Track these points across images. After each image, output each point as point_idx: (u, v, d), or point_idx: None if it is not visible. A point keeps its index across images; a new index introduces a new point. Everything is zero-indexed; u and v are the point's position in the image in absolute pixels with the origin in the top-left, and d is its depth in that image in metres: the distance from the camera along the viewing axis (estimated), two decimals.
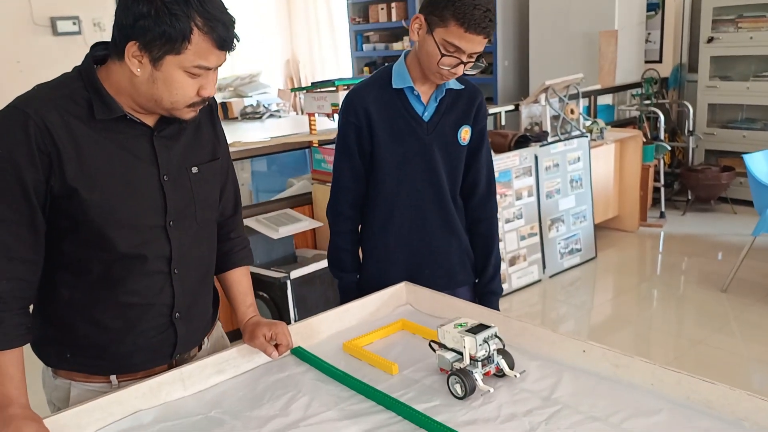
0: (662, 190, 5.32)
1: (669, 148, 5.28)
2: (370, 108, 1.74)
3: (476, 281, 1.94)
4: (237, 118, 7.40)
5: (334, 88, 3.29)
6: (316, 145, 3.57)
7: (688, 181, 5.44)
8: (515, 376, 1.30)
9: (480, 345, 1.27)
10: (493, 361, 1.31)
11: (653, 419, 1.18)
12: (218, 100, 6.57)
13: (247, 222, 3.33)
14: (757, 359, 3.20)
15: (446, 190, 1.82)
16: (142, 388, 1.30)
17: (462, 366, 1.28)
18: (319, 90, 3.38)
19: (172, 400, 1.34)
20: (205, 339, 1.48)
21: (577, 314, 3.89)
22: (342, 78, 3.48)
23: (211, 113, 1.40)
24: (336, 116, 3.54)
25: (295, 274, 3.18)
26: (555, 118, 4.30)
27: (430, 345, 1.38)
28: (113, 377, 1.34)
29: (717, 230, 5.06)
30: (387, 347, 1.53)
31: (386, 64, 1.82)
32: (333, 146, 3.60)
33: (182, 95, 1.20)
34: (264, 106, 7.32)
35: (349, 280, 1.89)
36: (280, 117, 7.29)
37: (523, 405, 1.25)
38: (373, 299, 1.70)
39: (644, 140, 4.99)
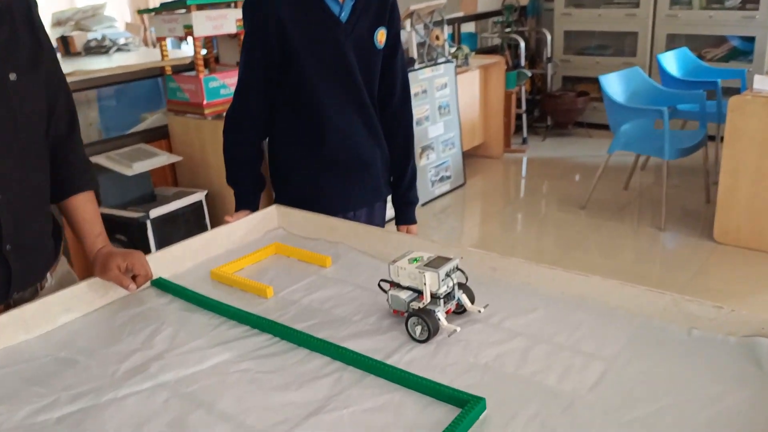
0: (524, 116, 5.50)
1: (529, 75, 5.44)
2: (282, 11, 1.59)
3: (393, 192, 1.92)
4: (80, 53, 6.75)
5: (184, 10, 3.02)
6: (170, 73, 3.30)
7: (547, 106, 5.66)
8: (478, 311, 1.17)
9: (442, 280, 1.12)
10: (454, 296, 1.16)
11: (530, 316, 1.18)
12: (58, 35, 5.90)
13: (96, 159, 3.04)
14: (611, 269, 3.42)
15: (366, 97, 1.74)
16: None
17: (421, 305, 1.13)
18: (169, 11, 3.09)
19: (14, 344, 1.17)
20: (48, 275, 1.31)
21: (448, 239, 3.96)
22: None
23: (29, 12, 1.19)
24: (190, 39, 3.29)
25: (155, 213, 2.97)
26: (421, 44, 4.26)
27: (379, 285, 1.21)
28: None
29: (574, 153, 5.32)
30: (260, 272, 1.43)
31: None
32: (189, 74, 3.35)
33: None
34: (110, 39, 6.72)
35: (244, 192, 1.77)
36: (129, 51, 6.73)
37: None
38: (242, 224, 1.59)
39: (506, 67, 5.09)
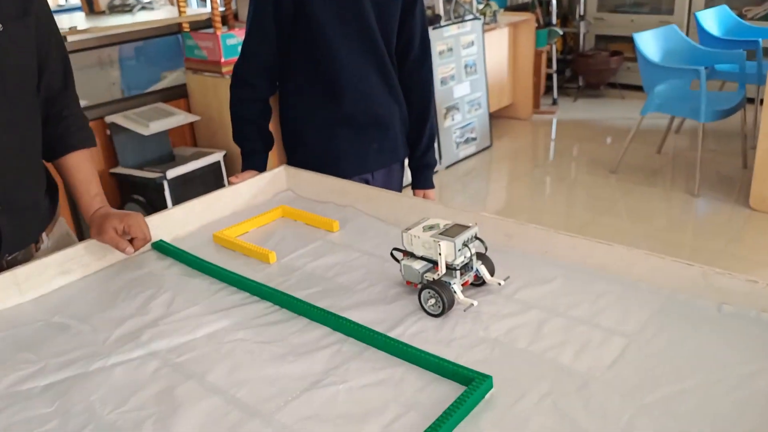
0: (554, 76, 5.32)
1: (561, 33, 5.24)
2: None
3: (409, 154, 1.82)
4: (104, 11, 6.71)
5: None
6: (188, 30, 3.22)
7: (579, 66, 5.46)
8: (498, 284, 1.08)
9: (459, 250, 1.03)
10: (472, 267, 1.07)
11: (547, 288, 1.10)
12: None
13: (113, 119, 3.01)
14: (642, 235, 3.30)
15: (384, 51, 1.65)
16: None
17: (436, 277, 1.05)
18: None
19: (6, 308, 1.13)
20: (43, 236, 1.26)
21: (473, 203, 3.87)
22: None
23: None
24: None
25: (172, 173, 2.93)
26: (447, 0, 4.11)
27: (392, 254, 1.13)
28: None
29: (606, 115, 5.15)
30: (264, 236, 1.37)
31: None
32: (206, 31, 3.27)
33: None
34: None
35: (251, 152, 1.69)
36: (153, 9, 6.66)
37: None
38: (249, 185, 1.52)
39: (537, 25, 4.91)
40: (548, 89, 5.41)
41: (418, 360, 0.92)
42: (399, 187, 1.87)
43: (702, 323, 0.97)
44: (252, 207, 1.50)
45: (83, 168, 1.27)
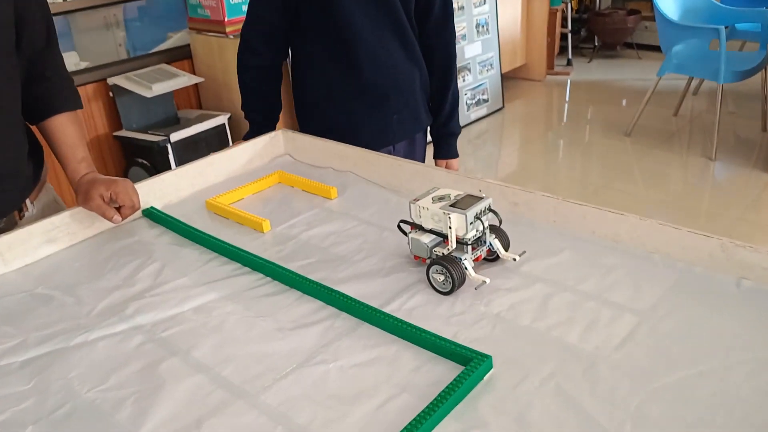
0: (569, 36, 5.17)
1: None
2: None
3: (432, 122, 1.72)
4: None
5: None
6: None
7: (595, 26, 5.30)
8: (513, 259, 1.00)
9: (471, 223, 0.96)
10: (485, 242, 1.00)
11: (554, 260, 1.03)
12: None
13: (116, 80, 2.94)
14: (657, 201, 3.21)
15: (402, 13, 1.55)
16: None
17: (446, 252, 0.99)
18: None
19: None
20: (27, 203, 1.21)
21: (484, 167, 3.79)
22: None
23: None
24: None
25: (176, 136, 2.87)
26: None
27: (399, 227, 1.06)
28: None
29: (622, 76, 5.01)
30: (259, 203, 1.31)
31: None
32: None
33: None
34: None
35: (252, 122, 1.63)
36: None
37: None
38: (244, 149, 1.46)
39: None
40: (563, 49, 5.26)
41: (413, 338, 0.87)
42: (423, 158, 1.76)
43: (720, 300, 0.91)
44: (248, 172, 1.44)
45: (68, 131, 1.21)
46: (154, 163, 2.95)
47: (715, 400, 0.75)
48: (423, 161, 1.74)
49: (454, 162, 1.75)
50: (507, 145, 4.20)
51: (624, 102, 4.54)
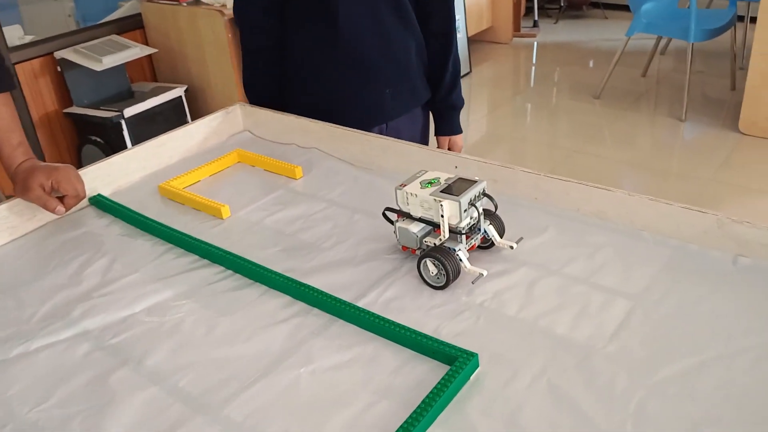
0: None
1: None
2: None
3: (432, 95, 1.55)
4: None
5: None
6: None
7: None
8: (511, 247, 0.91)
9: (465, 211, 0.86)
10: (480, 229, 0.91)
11: (538, 240, 0.96)
12: None
13: (63, 54, 2.77)
14: (627, 163, 3.18)
15: None
16: None
17: (438, 242, 0.90)
18: None
19: None
20: None
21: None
22: None
23: None
24: None
25: (130, 111, 2.73)
26: None
27: (384, 215, 0.96)
28: None
29: (589, 37, 4.94)
30: (217, 186, 1.21)
31: None
32: None
33: None
34: None
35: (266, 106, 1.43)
36: None
37: None
38: (199, 127, 1.35)
39: None
40: (528, 11, 5.16)
41: (392, 335, 0.79)
42: (424, 136, 1.60)
43: (716, 279, 0.85)
44: (204, 152, 1.33)
45: (1, 114, 1.09)
46: (109, 140, 2.80)
47: (721, 394, 0.69)
48: (425, 139, 1.59)
49: (458, 138, 1.60)
50: (475, 110, 4.11)
51: (591, 63, 4.48)
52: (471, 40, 4.39)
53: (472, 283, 0.87)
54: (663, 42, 4.29)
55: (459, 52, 1.56)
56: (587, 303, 0.83)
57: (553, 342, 0.77)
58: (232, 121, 1.39)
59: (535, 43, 4.90)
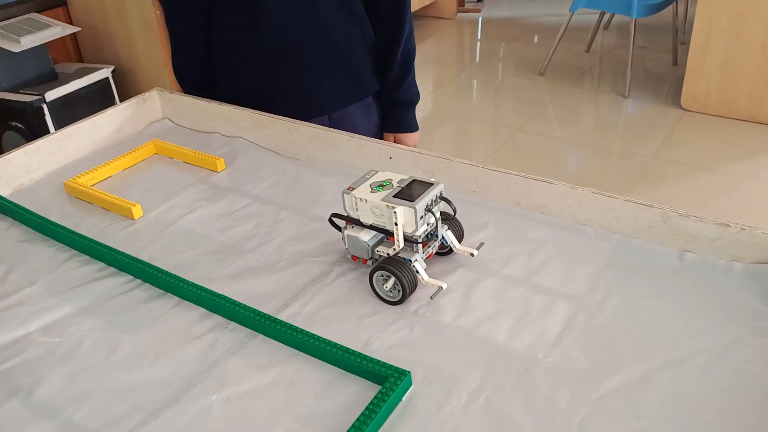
0: None
1: None
2: None
3: (380, 87, 1.41)
4: None
5: None
6: None
7: None
8: (471, 254, 0.83)
9: (421, 218, 0.78)
10: (437, 236, 0.83)
11: (476, 237, 0.90)
12: None
13: None
14: (571, 141, 3.16)
15: None
16: None
17: (391, 252, 0.81)
18: None
19: None
20: None
21: None
22: None
23: None
24: None
25: (52, 95, 2.56)
26: None
27: (330, 221, 0.87)
28: None
29: (534, 12, 4.91)
30: (131, 182, 1.11)
31: None
32: None
33: None
34: None
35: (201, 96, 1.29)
36: None
37: None
38: (111, 116, 1.23)
39: None
40: None
41: (317, 352, 0.72)
42: (377, 130, 1.45)
43: (662, 277, 0.80)
44: (117, 144, 1.22)
45: None
46: (30, 126, 2.63)
47: (668, 407, 0.64)
48: (380, 134, 1.46)
49: (405, 137, 1.45)
50: (419, 88, 4.04)
51: (536, 39, 4.45)
52: (414, 16, 4.29)
53: (431, 298, 0.79)
54: (606, 17, 4.29)
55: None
56: (528, 308, 0.77)
57: (492, 353, 0.71)
58: (149, 108, 1.28)
59: (480, 19, 4.84)
